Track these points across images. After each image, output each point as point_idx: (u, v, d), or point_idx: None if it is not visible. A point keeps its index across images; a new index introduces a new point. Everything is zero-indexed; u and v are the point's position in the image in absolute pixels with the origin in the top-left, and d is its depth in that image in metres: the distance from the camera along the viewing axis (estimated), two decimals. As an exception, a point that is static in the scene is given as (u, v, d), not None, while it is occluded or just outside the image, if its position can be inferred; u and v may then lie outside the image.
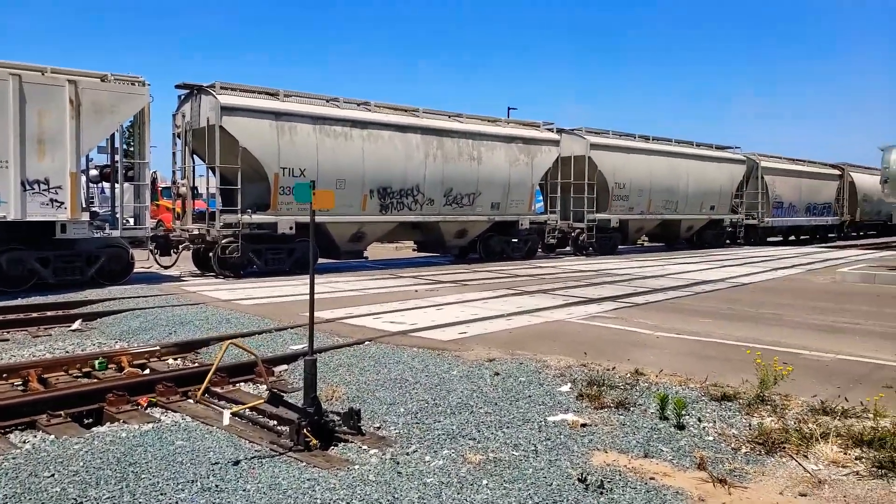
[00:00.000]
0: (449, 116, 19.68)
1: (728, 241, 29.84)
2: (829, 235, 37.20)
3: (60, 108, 12.75)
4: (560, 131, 22.88)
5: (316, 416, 4.87)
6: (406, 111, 18.69)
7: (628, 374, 6.32)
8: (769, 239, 32.85)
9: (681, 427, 4.95)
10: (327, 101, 17.33)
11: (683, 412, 5.00)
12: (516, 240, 21.20)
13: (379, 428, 5.24)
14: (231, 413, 5.09)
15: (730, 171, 28.80)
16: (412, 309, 10.62)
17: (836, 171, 37.57)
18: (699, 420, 5.14)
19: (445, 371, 6.61)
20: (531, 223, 21.40)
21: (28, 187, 12.47)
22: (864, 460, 4.33)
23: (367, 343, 7.93)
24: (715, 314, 10.29)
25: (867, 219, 40.19)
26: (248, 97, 15.80)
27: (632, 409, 5.41)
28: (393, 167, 17.65)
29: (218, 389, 6.41)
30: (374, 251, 21.11)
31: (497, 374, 6.44)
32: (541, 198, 23.99)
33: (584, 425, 5.07)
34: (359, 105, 17.85)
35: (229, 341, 5.19)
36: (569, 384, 6.07)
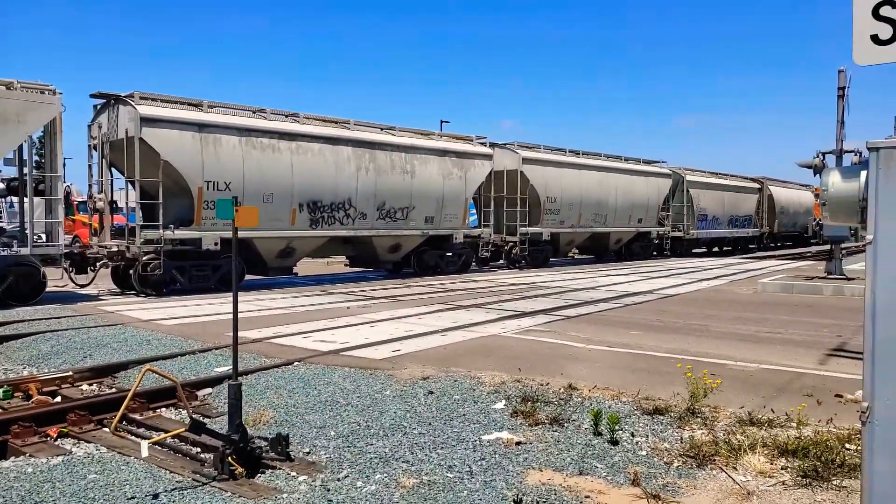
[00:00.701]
0: (381, 129, 19.53)
1: (655, 253, 30.84)
2: (750, 246, 38.93)
3: (-41, 118, 11.91)
4: (493, 145, 23.11)
5: (241, 442, 4.65)
6: (337, 123, 18.43)
7: (562, 389, 6.31)
8: (694, 250, 34.08)
9: (614, 442, 4.95)
10: (254, 113, 16.90)
11: (617, 427, 5.01)
12: (451, 254, 21.21)
13: (309, 453, 5.03)
14: (150, 443, 4.78)
15: (657, 184, 29.76)
16: (344, 327, 10.39)
17: (756, 185, 39.39)
18: (632, 435, 5.15)
19: (378, 391, 6.45)
20: (465, 237, 21.46)
21: (-75, 204, 11.61)
22: (789, 470, 4.42)
23: (296, 364, 7.68)
24: (645, 326, 10.49)
25: (784, 230, 42.31)
26: (170, 108, 15.23)
27: (566, 424, 5.38)
28: (323, 180, 17.34)
29: (137, 416, 6.05)
30: (305, 267, 20.69)
31: (431, 392, 6.33)
32: (474, 211, 24.12)
33: (518, 443, 5.00)
34: (287, 116, 17.48)
35: (147, 366, 4.89)
36: (503, 401, 6.00)
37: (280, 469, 4.70)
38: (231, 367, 7.50)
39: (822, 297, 14.70)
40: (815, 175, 15.33)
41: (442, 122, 46.36)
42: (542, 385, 6.50)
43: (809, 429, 5.06)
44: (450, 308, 12.53)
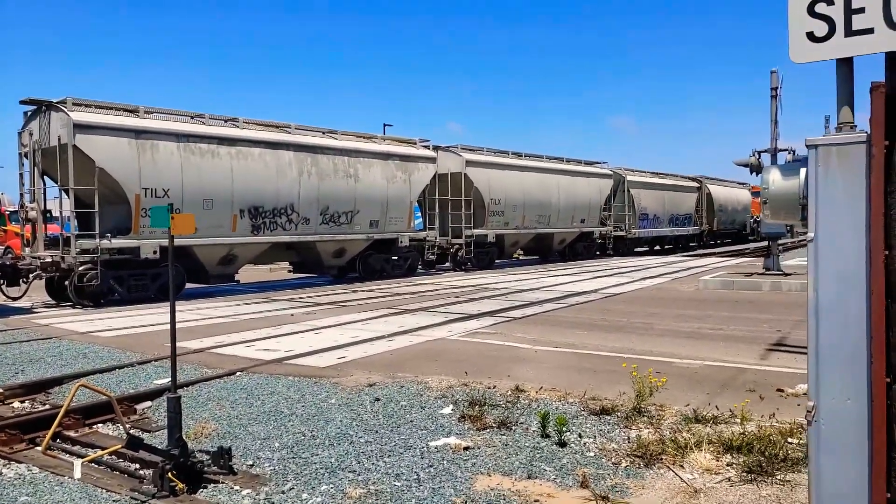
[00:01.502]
0: (323, 133, 19.31)
1: (598, 253, 31.38)
2: (691, 244, 40.00)
3: None
4: (437, 148, 23.14)
5: (182, 457, 4.49)
6: (277, 127, 18.13)
7: (509, 392, 6.32)
8: (636, 249, 34.86)
9: (562, 444, 4.97)
10: (192, 118, 16.48)
11: (565, 429, 5.03)
12: (396, 257, 21.12)
13: (252, 465, 4.89)
14: (85, 461, 4.57)
15: (598, 185, 30.30)
16: (288, 334, 10.20)
17: (695, 184, 40.51)
18: (580, 436, 5.18)
19: (323, 400, 6.34)
20: (411, 240, 21.40)
21: None
22: (734, 466, 4.50)
23: (238, 374, 7.49)
24: (590, 325, 10.64)
25: (723, 228, 43.64)
26: (105, 114, 14.72)
27: (514, 428, 5.38)
28: (264, 186, 17.02)
29: (72, 434, 5.77)
30: (247, 274, 20.27)
31: (378, 399, 6.25)
32: (419, 215, 24.09)
33: (466, 448, 4.97)
34: (226, 121, 17.10)
35: (80, 382, 4.68)
36: (451, 406, 5.97)
37: (223, 483, 4.56)
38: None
39: (762, 292, 15.17)
40: (751, 173, 15.88)
41: (385, 125, 46.18)
42: (489, 388, 6.49)
43: (753, 424, 5.18)
44: (396, 312, 12.45)
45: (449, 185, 23.12)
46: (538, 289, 16.60)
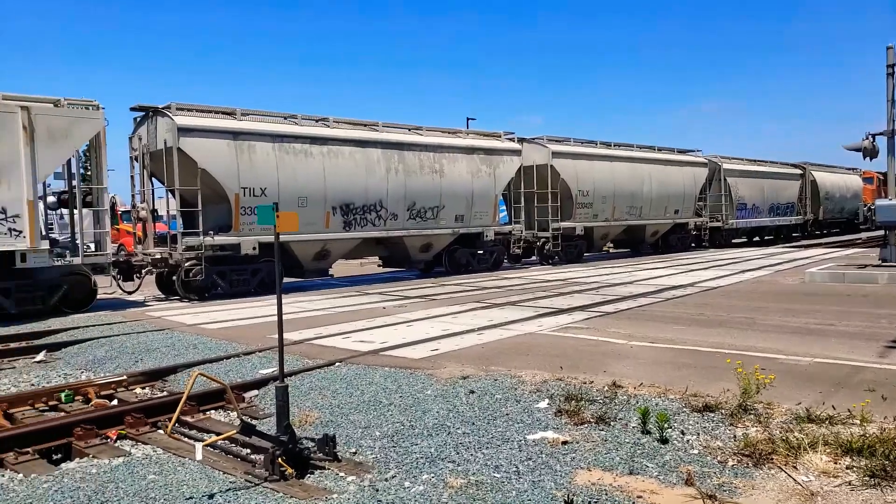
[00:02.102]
0: (409, 129, 19.59)
1: (693, 245, 30.27)
2: (794, 235, 37.91)
3: (14, 135, 12.36)
4: (521, 140, 22.98)
5: (290, 444, 4.70)
6: (366, 126, 18.55)
7: (606, 387, 6.23)
8: (734, 241, 33.36)
9: (664, 441, 4.87)
10: (285, 119, 17.11)
11: (666, 425, 4.92)
12: (482, 251, 21.15)
13: (355, 453, 5.06)
14: (205, 444, 4.88)
15: (692, 174, 29.20)
16: (381, 327, 10.44)
17: (798, 171, 38.32)
18: (682, 433, 5.06)
19: (419, 391, 6.46)
20: (496, 234, 21.37)
21: (-15, 218, 12.04)
22: (855, 469, 4.26)
23: (337, 364, 7.74)
24: (687, 320, 10.32)
25: (830, 217, 40.96)
26: (205, 117, 15.51)
27: (612, 423, 5.31)
28: (354, 183, 17.47)
29: (188, 419, 6.19)
30: (339, 268, 20.85)
31: (472, 392, 6.31)
32: (504, 208, 24.02)
33: (565, 443, 4.95)
34: (317, 121, 17.65)
35: (197, 372, 4.97)
36: (546, 400, 5.96)
37: (328, 469, 4.74)
38: (275, 368, 7.65)
39: (878, 286, 14.08)
40: (864, 158, 14.83)
41: (468, 119, 46.27)
42: (584, 383, 6.43)
43: (874, 426, 4.88)
44: (484, 306, 12.50)
45: (535, 177, 22.92)
46: (630, 283, 16.24)
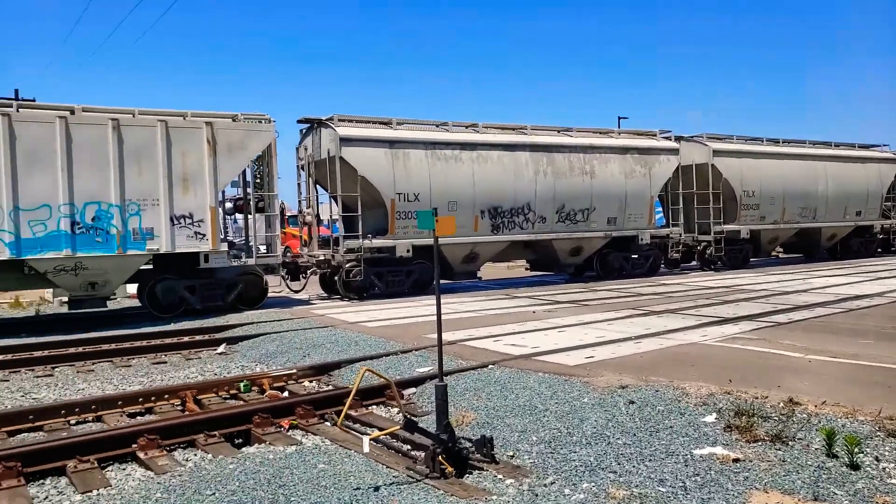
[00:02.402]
0: (558, 131, 19.37)
1: (880, 250, 27.24)
2: None
3: (200, 149, 13.78)
4: (679, 139, 21.94)
5: (450, 442, 4.79)
6: (514, 129, 18.61)
7: (781, 404, 5.77)
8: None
9: (855, 467, 4.41)
10: (437, 126, 17.60)
11: (857, 449, 4.46)
12: (636, 255, 20.43)
13: (512, 456, 5.07)
14: (371, 437, 5.12)
15: (878, 171, 26.32)
16: (532, 331, 10.39)
17: None
18: (876, 459, 4.56)
19: (576, 398, 6.34)
20: (652, 237, 20.56)
21: (175, 222, 13.57)
22: None
23: (490, 366, 7.80)
24: (877, 334, 9.30)
25: None
26: (364, 128, 16.38)
27: (791, 443, 4.91)
28: (503, 186, 17.58)
29: (353, 412, 6.51)
30: (487, 271, 21.04)
31: (632, 402, 6.10)
32: (661, 210, 23.02)
33: (736, 460, 4.65)
34: (467, 127, 18.00)
35: (365, 368, 5.22)
36: (714, 414, 5.63)
37: (486, 471, 4.78)
38: (431, 367, 7.86)
39: None
40: None
41: (620, 118, 44.73)
42: (756, 398, 5.99)
43: None
44: (641, 314, 12.05)
45: (694, 177, 21.79)
46: (805, 291, 14.96)
